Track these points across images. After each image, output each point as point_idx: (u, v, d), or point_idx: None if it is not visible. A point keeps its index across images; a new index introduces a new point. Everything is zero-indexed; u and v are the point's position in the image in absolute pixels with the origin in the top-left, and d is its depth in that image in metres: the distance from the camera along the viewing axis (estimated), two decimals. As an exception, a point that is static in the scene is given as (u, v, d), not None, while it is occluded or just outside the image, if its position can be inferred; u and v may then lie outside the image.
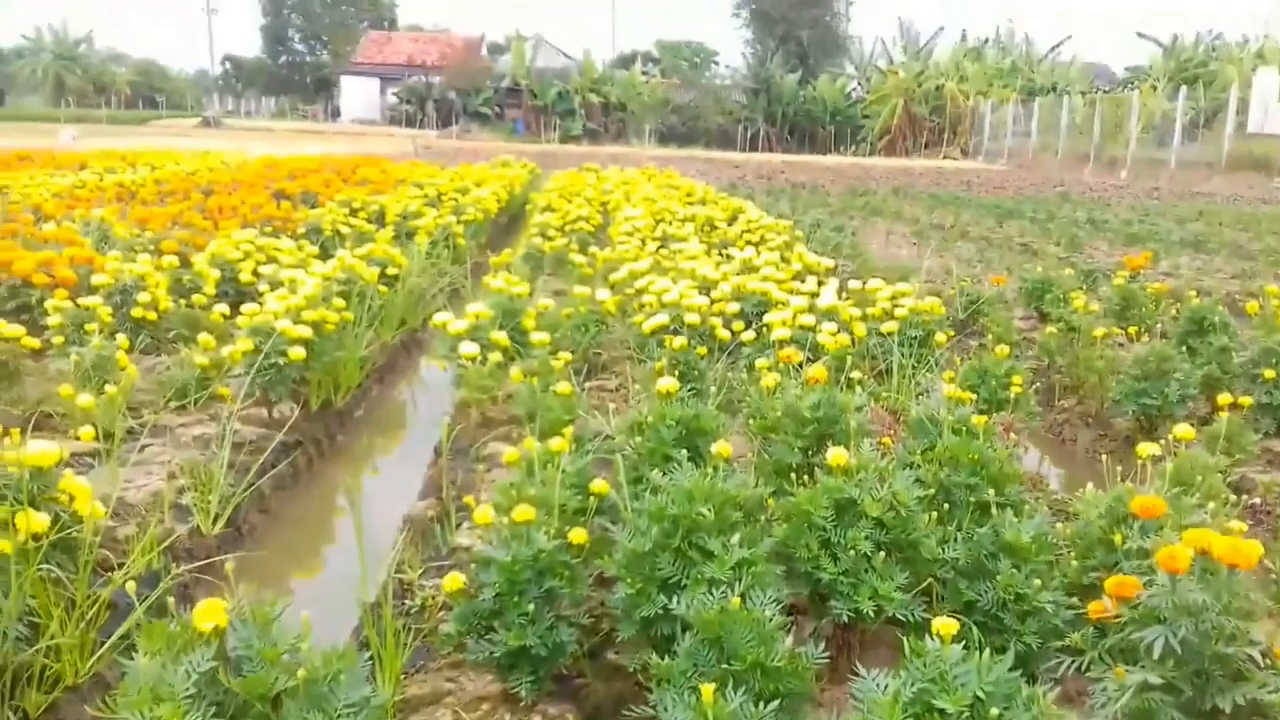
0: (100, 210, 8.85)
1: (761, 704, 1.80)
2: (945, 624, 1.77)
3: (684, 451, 2.77)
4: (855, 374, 3.94)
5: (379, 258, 7.06)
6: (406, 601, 3.08)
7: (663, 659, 2.06)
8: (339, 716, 1.81)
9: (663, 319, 5.01)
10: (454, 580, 2.46)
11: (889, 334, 4.97)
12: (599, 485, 2.76)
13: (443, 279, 8.03)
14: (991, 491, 2.74)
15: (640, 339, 5.18)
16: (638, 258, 7.10)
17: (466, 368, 4.72)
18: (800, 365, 3.86)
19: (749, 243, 8.65)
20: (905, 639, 1.80)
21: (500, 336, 4.87)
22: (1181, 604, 1.93)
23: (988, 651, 1.71)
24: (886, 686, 1.73)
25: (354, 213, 9.89)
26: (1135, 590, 2.02)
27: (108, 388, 4.15)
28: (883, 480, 2.51)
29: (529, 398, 3.99)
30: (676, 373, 4.14)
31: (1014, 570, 2.41)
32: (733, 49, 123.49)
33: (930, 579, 2.52)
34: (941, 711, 1.65)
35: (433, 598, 3.05)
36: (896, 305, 5.32)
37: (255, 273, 6.47)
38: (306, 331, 4.69)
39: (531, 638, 2.36)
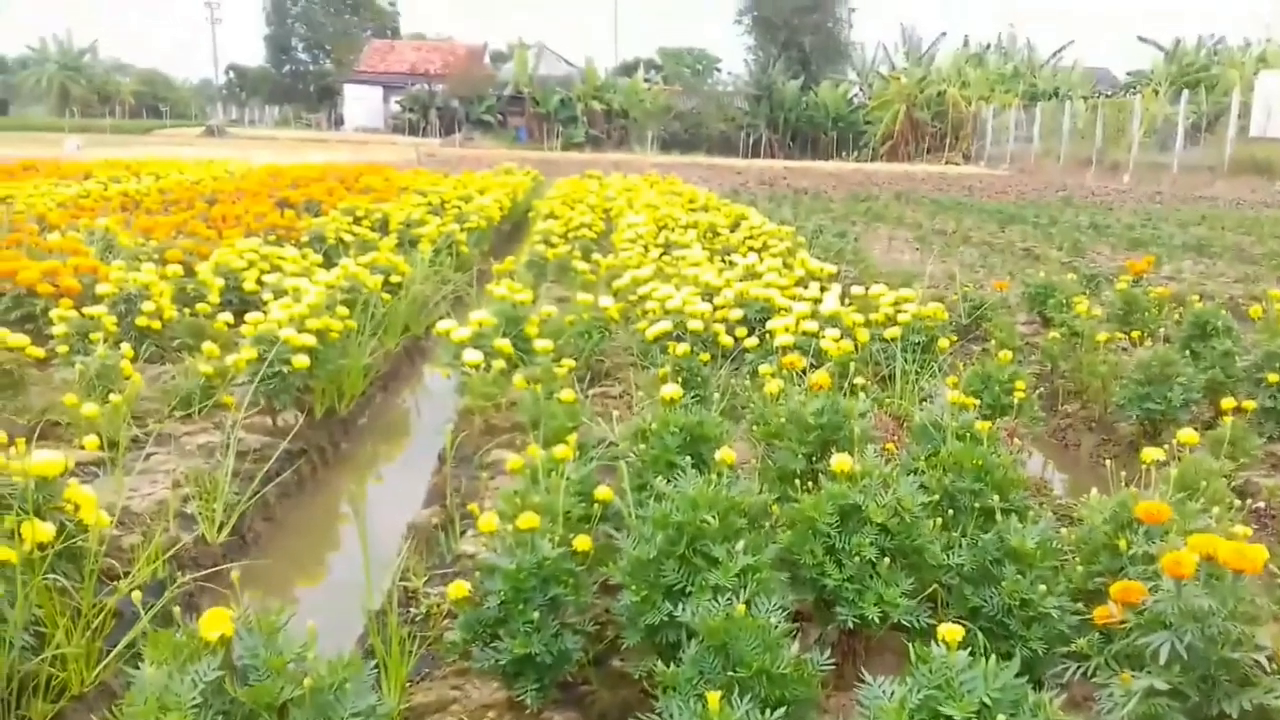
0: (105, 220, 8.90)
1: (767, 711, 1.80)
2: (951, 630, 1.77)
3: (688, 458, 2.78)
4: (859, 380, 3.96)
5: (382, 266, 7.08)
6: (411, 609, 3.08)
7: (668, 666, 2.06)
8: (345, 725, 1.81)
9: (666, 325, 5.02)
10: (459, 588, 2.46)
11: (892, 340, 4.98)
12: (603, 492, 2.76)
13: (446, 287, 8.05)
14: (996, 497, 2.74)
15: (643, 346, 5.18)
16: (640, 264, 7.11)
17: (470, 375, 4.73)
18: (804, 371, 3.87)
19: (751, 249, 8.68)
20: (911, 645, 1.80)
21: (503, 344, 4.88)
22: (1187, 609, 1.93)
23: (994, 657, 1.71)
24: (892, 693, 1.73)
25: (357, 221, 9.92)
26: (1141, 595, 2.02)
27: (112, 397, 4.16)
28: (887, 486, 2.51)
29: (532, 405, 4.00)
30: (680, 379, 4.15)
31: (1019, 576, 2.41)
32: (735, 55, 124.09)
33: (935, 585, 2.53)
34: (948, 718, 1.64)
35: (438, 605, 3.05)
36: (899, 311, 5.32)
37: (259, 281, 6.49)
38: (310, 340, 4.70)
39: (537, 645, 2.36)
